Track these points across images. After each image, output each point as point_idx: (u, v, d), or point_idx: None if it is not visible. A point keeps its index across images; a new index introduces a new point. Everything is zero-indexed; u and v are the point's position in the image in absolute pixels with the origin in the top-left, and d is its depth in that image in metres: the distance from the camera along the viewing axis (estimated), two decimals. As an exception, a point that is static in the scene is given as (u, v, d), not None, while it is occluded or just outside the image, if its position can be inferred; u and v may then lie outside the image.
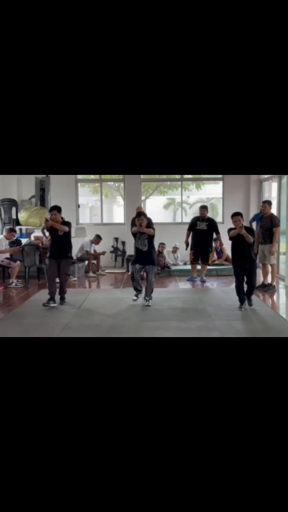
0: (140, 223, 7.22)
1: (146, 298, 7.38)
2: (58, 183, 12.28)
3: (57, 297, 7.65)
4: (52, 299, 7.44)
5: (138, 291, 7.61)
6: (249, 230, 10.19)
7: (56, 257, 7.55)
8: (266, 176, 12.14)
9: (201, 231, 9.70)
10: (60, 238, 7.55)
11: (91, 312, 7.41)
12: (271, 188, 11.67)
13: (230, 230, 7.15)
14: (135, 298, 7.61)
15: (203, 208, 10.02)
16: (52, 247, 7.77)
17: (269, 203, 9.56)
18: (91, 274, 11.08)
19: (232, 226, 7.14)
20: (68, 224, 7.73)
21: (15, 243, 9.97)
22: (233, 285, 9.80)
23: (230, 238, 7.11)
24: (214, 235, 10.10)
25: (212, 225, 9.82)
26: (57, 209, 7.61)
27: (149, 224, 7.66)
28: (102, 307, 7.72)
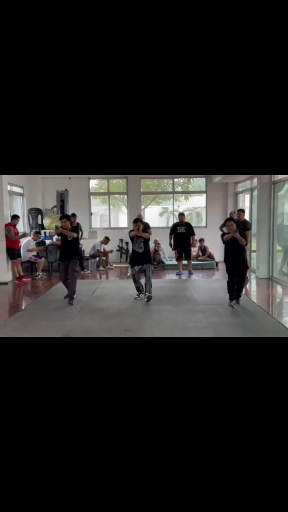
0: (138, 228, 6.95)
1: (147, 293, 7.06)
2: (74, 195, 12.61)
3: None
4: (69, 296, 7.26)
5: (139, 291, 7.31)
6: (241, 234, 10.34)
7: (65, 259, 7.13)
8: (240, 189, 12.24)
9: (181, 234, 10.11)
10: (69, 243, 7.12)
11: (101, 298, 7.58)
12: (245, 199, 12.01)
13: (223, 234, 6.72)
14: (137, 297, 7.31)
15: (181, 215, 10.48)
16: (62, 250, 7.37)
17: (243, 211, 9.95)
18: (101, 268, 11.63)
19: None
20: (76, 229, 7.55)
21: (40, 243, 10.32)
22: (215, 277, 9.96)
23: (224, 242, 6.62)
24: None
25: (189, 229, 10.19)
26: (66, 217, 7.36)
27: (146, 228, 7.54)
28: (110, 294, 7.89)
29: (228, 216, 10.99)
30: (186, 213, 10.93)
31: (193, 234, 10.17)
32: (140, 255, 7.11)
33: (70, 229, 7.13)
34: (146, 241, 7.09)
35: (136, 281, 7.28)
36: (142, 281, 7.34)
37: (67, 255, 7.09)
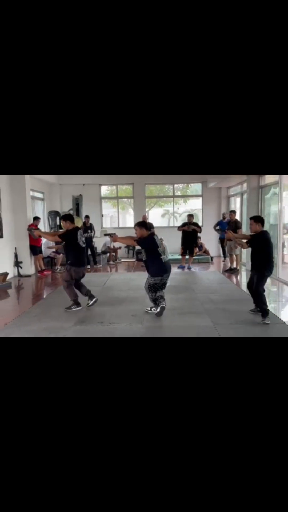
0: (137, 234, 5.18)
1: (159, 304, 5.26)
2: (88, 199, 12.74)
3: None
4: (89, 297, 5.87)
5: (154, 302, 5.35)
6: (234, 232, 9.98)
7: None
8: (232, 193, 12.25)
9: (188, 233, 9.97)
10: (65, 247, 5.72)
11: (111, 288, 7.62)
12: (236, 202, 11.95)
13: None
14: (148, 309, 5.47)
15: (190, 215, 10.30)
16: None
17: (234, 212, 10.02)
18: (111, 262, 11.72)
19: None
20: (73, 230, 5.60)
21: (58, 241, 10.18)
22: (210, 269, 10.06)
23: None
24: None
25: (197, 228, 10.08)
26: (63, 218, 5.87)
27: (149, 227, 5.53)
28: (119, 285, 7.94)
29: (220, 219, 11.02)
30: (184, 214, 10.94)
31: (200, 230, 10.11)
32: (146, 265, 5.32)
33: (68, 232, 5.57)
34: (145, 249, 5.11)
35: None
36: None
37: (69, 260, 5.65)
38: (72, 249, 5.56)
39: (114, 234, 5.61)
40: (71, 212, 11.99)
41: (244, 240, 5.21)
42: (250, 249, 5.31)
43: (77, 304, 5.72)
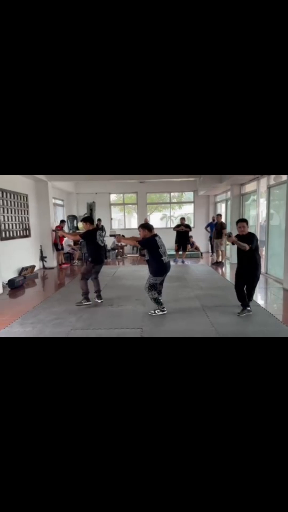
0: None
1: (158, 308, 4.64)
2: (99, 205, 12.78)
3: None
4: (98, 296, 5.37)
5: (157, 303, 4.58)
6: (219, 232, 9.39)
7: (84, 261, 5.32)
8: (218, 200, 12.24)
9: (182, 233, 9.93)
10: (85, 245, 5.30)
11: (119, 278, 7.60)
12: (222, 207, 11.94)
13: (229, 235, 4.46)
14: (152, 312, 4.59)
15: (182, 218, 10.30)
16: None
17: (220, 215, 10.04)
18: (119, 257, 11.57)
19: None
20: (92, 231, 5.18)
21: (78, 240, 10.32)
22: (200, 263, 10.02)
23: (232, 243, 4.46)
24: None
25: (188, 229, 10.06)
26: (83, 220, 5.31)
27: (147, 228, 4.58)
28: (125, 275, 7.91)
29: (210, 220, 10.99)
30: (180, 217, 10.93)
31: (190, 230, 10.10)
32: (148, 264, 4.60)
33: (88, 232, 5.12)
34: (147, 249, 4.46)
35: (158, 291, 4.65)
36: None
37: (84, 257, 5.22)
38: (91, 247, 5.14)
39: (119, 235, 5.13)
40: (85, 216, 11.97)
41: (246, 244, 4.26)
42: (234, 247, 4.70)
43: (87, 299, 5.17)
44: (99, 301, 5.27)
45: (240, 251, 4.37)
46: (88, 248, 5.23)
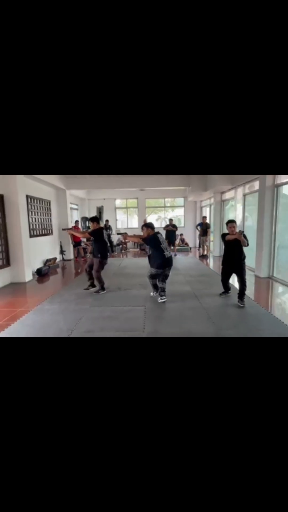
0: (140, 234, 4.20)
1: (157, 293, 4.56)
2: (107, 208, 12.95)
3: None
4: (91, 285, 5.17)
5: (155, 288, 4.56)
6: (205, 232, 9.44)
7: (93, 255, 4.93)
8: (204, 205, 12.38)
9: (170, 231, 10.02)
10: (94, 242, 4.89)
11: (124, 267, 7.68)
12: (206, 211, 12.10)
13: (224, 235, 4.18)
14: (152, 294, 4.67)
15: (170, 219, 10.42)
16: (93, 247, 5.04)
17: (205, 217, 10.19)
18: (123, 251, 11.58)
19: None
20: (100, 229, 4.92)
21: (88, 237, 10.36)
22: (189, 256, 10.28)
23: (225, 242, 4.16)
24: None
25: (175, 227, 10.17)
26: (91, 220, 4.96)
27: (150, 226, 4.37)
28: (130, 266, 7.98)
29: (200, 221, 11.04)
30: (173, 219, 11.15)
31: (177, 229, 10.24)
32: (149, 258, 4.46)
33: (93, 230, 4.86)
34: (151, 245, 4.25)
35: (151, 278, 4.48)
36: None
37: (94, 253, 4.90)
38: (99, 244, 4.86)
39: (125, 233, 4.84)
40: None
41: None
42: (222, 245, 4.44)
43: (103, 289, 5.00)
44: (102, 292, 4.97)
45: (229, 248, 4.15)
46: (96, 245, 4.88)
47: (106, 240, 5.04)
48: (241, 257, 4.11)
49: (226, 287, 4.55)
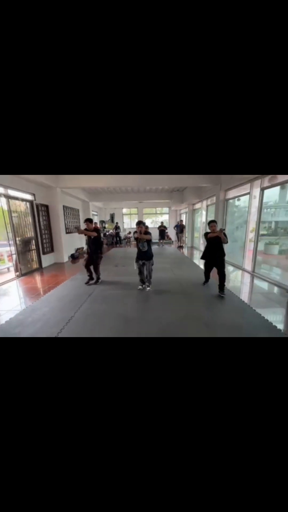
0: (140, 231, 3.46)
1: (147, 284, 3.79)
2: (117, 215, 12.77)
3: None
4: (91, 278, 4.19)
5: (143, 282, 3.79)
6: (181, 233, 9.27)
7: (91, 253, 4.04)
8: (182, 212, 12.13)
9: (161, 230, 10.08)
10: (92, 240, 4.01)
11: (129, 253, 7.71)
12: (184, 216, 11.91)
13: (207, 233, 3.48)
14: (140, 287, 3.78)
15: (162, 222, 10.48)
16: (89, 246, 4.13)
17: (182, 220, 10.09)
18: (128, 243, 11.50)
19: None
20: (97, 229, 4.19)
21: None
22: (171, 247, 9.95)
23: (208, 239, 3.48)
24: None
25: (164, 228, 10.23)
26: (88, 220, 3.95)
27: (146, 231, 3.69)
28: (132, 252, 7.95)
29: (178, 223, 10.83)
30: (163, 221, 11.15)
31: (166, 228, 10.32)
32: (143, 253, 3.60)
33: (96, 228, 4.15)
34: (148, 241, 3.61)
35: (141, 272, 3.72)
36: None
37: (93, 249, 4.01)
38: (98, 241, 4.06)
39: (135, 232, 3.88)
40: (109, 221, 11.39)
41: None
42: (204, 241, 3.90)
43: (99, 279, 4.22)
44: (99, 281, 4.18)
45: (211, 244, 3.46)
46: (94, 242, 4.01)
47: (101, 238, 4.38)
48: (222, 253, 3.39)
49: (207, 277, 3.85)
